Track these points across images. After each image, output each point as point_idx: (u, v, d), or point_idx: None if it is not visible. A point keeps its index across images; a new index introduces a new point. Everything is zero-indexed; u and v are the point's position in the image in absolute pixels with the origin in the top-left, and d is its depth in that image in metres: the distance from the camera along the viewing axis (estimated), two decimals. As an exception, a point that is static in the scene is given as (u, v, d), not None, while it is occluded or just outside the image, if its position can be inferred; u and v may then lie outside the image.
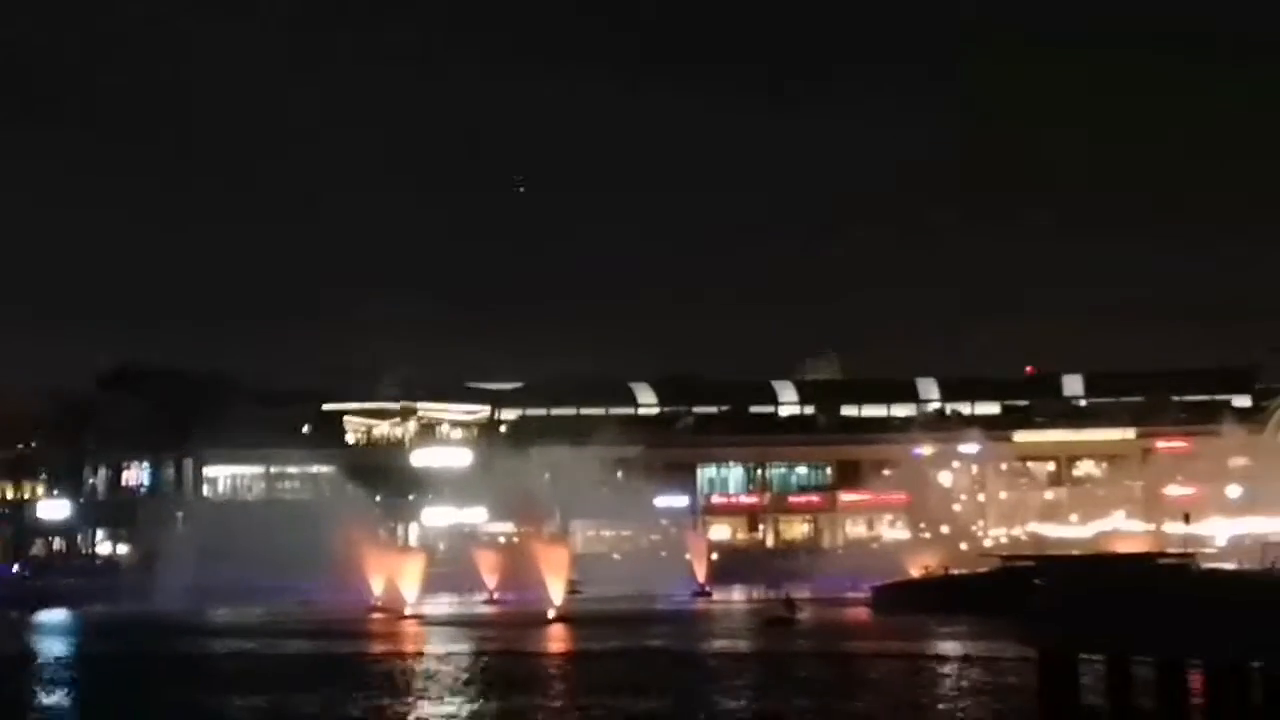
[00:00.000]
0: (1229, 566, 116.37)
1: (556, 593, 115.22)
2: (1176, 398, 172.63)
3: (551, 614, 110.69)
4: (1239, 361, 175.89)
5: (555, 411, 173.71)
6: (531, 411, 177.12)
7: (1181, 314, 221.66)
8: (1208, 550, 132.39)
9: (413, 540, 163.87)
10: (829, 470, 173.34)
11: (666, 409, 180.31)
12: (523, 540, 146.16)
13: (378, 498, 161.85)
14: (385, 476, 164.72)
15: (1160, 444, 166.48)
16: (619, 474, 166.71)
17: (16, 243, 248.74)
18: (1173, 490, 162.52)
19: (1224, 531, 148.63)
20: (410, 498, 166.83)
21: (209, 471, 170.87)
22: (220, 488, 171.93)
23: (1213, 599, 60.93)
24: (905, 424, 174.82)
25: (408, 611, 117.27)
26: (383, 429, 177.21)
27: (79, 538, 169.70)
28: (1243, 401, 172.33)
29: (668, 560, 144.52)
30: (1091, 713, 54.46)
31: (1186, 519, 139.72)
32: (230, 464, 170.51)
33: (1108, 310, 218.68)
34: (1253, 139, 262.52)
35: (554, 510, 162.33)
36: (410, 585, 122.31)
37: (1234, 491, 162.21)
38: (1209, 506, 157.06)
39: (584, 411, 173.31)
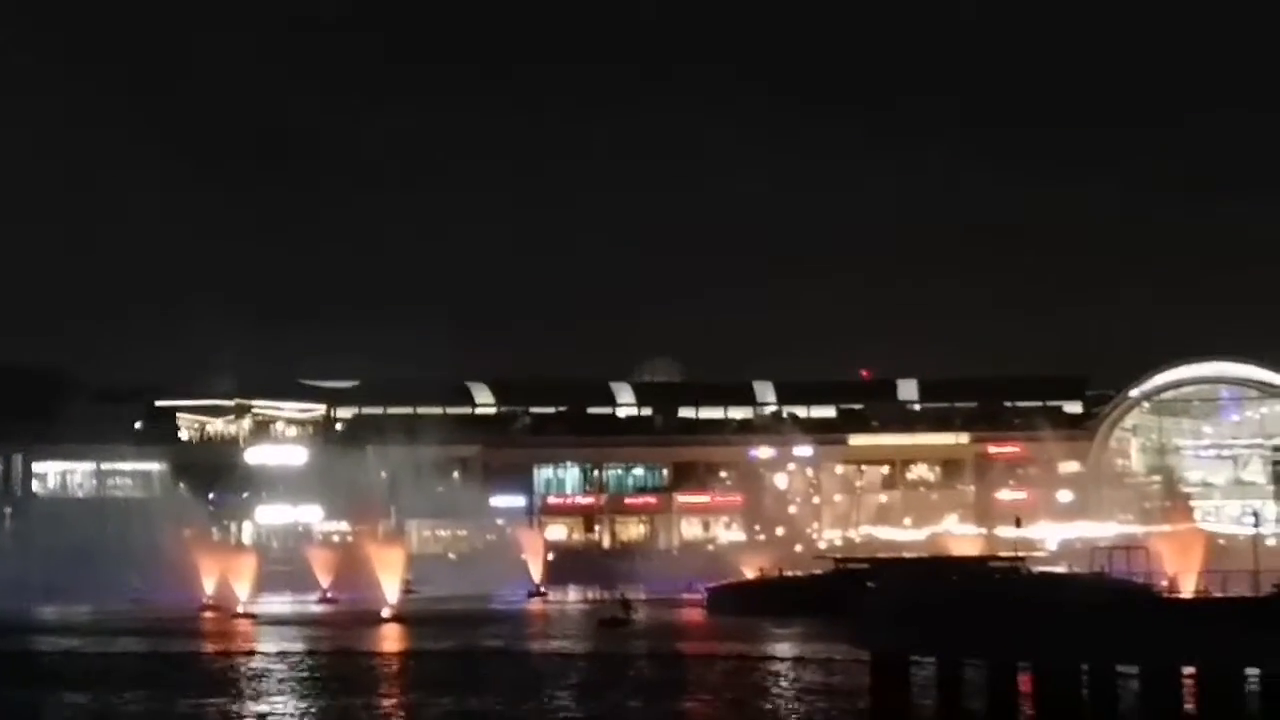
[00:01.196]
0: (1059, 570, 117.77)
1: (391, 592, 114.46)
2: (1009, 403, 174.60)
3: (386, 613, 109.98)
4: (1071, 369, 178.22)
5: (391, 410, 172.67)
6: (367, 410, 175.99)
7: (1016, 321, 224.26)
8: (1038, 554, 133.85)
9: (247, 538, 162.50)
10: (666, 472, 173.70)
11: (503, 409, 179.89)
12: (358, 539, 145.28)
13: (211, 495, 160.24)
14: (219, 474, 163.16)
15: (993, 449, 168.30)
16: (455, 474, 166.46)
17: None
18: (1005, 495, 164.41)
19: (1054, 536, 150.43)
20: (244, 496, 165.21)
21: (38, 468, 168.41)
22: (50, 484, 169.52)
23: (1042, 602, 61.52)
24: (742, 426, 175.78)
25: (240, 610, 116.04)
26: (216, 426, 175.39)
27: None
28: (1074, 408, 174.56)
29: (503, 560, 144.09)
30: (923, 714, 54.81)
31: (1018, 523, 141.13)
32: (60, 460, 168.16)
33: (945, 315, 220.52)
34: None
35: (389, 509, 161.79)
36: (243, 584, 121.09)
37: (1064, 496, 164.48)
38: (1040, 511, 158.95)
39: (420, 411, 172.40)
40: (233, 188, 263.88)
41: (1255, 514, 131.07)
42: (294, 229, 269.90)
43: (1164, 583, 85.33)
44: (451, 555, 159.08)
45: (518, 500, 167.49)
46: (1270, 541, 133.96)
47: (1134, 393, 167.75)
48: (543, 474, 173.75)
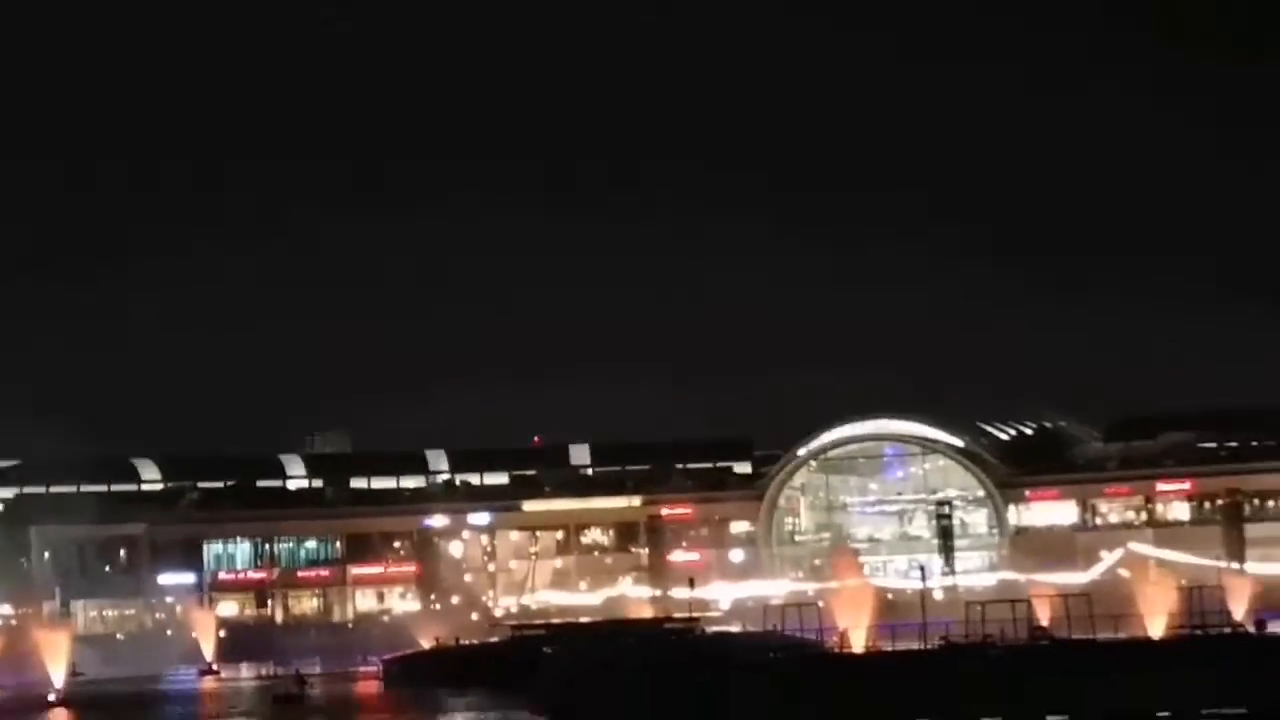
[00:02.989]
0: (733, 629, 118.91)
1: (57, 675, 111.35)
2: (680, 465, 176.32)
3: (52, 697, 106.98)
4: (738, 431, 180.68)
5: (54, 489, 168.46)
6: (29, 489, 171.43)
7: (683, 385, 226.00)
8: (712, 614, 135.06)
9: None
10: (339, 544, 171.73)
11: (171, 484, 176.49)
12: (21, 622, 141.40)
13: None
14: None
15: (665, 511, 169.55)
16: (122, 552, 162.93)
17: None
18: (678, 556, 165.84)
19: (728, 595, 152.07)
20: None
21: None
22: None
23: (717, 661, 61.97)
24: (415, 495, 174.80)
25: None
26: None
27: None
28: (744, 468, 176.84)
29: (173, 639, 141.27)
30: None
31: (691, 584, 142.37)
32: None
33: (616, 380, 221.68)
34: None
35: (53, 591, 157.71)
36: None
37: (737, 556, 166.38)
38: (713, 571, 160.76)
39: (84, 488, 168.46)
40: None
41: (922, 568, 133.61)
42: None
43: (834, 638, 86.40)
44: (120, 635, 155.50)
45: (187, 577, 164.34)
46: (938, 595, 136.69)
47: (801, 452, 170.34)
48: (212, 549, 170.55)
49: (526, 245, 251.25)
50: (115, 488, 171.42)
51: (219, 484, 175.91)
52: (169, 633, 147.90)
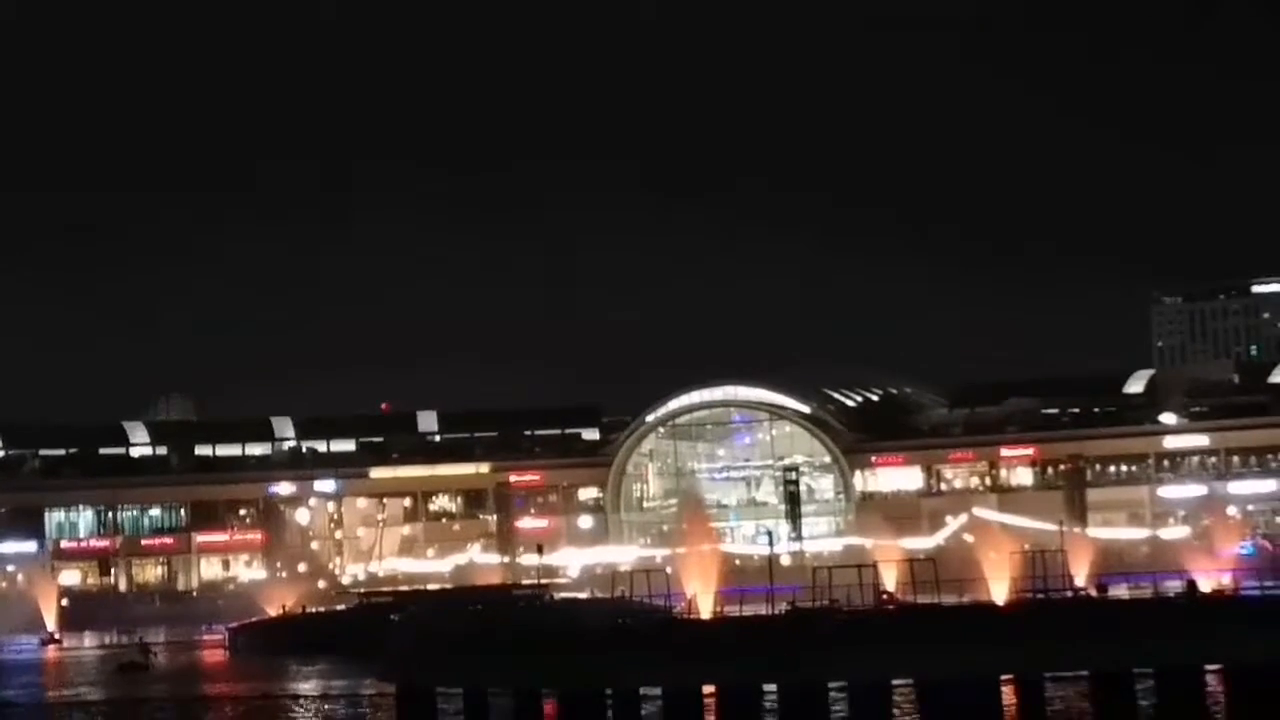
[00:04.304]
0: (582, 596, 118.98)
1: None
2: (529, 432, 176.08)
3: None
4: (587, 398, 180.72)
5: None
6: None
7: (530, 354, 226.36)
8: (561, 581, 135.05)
9: None
10: (183, 512, 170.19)
11: (12, 452, 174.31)
12: None
13: None
14: None
15: (514, 478, 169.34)
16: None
17: None
18: (526, 523, 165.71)
19: (577, 562, 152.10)
20: None
21: None
22: None
23: (562, 629, 61.87)
24: (261, 463, 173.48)
25: None
26: None
27: None
28: (592, 435, 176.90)
29: (15, 608, 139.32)
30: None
31: (540, 551, 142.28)
32: None
33: (465, 348, 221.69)
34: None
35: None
36: None
37: (585, 523, 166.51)
38: (562, 538, 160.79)
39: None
40: None
41: (769, 533, 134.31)
42: None
43: (682, 605, 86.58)
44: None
45: (29, 545, 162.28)
46: (784, 560, 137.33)
47: (650, 418, 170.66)
48: (54, 518, 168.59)
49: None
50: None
51: (61, 451, 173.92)
52: (10, 601, 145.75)
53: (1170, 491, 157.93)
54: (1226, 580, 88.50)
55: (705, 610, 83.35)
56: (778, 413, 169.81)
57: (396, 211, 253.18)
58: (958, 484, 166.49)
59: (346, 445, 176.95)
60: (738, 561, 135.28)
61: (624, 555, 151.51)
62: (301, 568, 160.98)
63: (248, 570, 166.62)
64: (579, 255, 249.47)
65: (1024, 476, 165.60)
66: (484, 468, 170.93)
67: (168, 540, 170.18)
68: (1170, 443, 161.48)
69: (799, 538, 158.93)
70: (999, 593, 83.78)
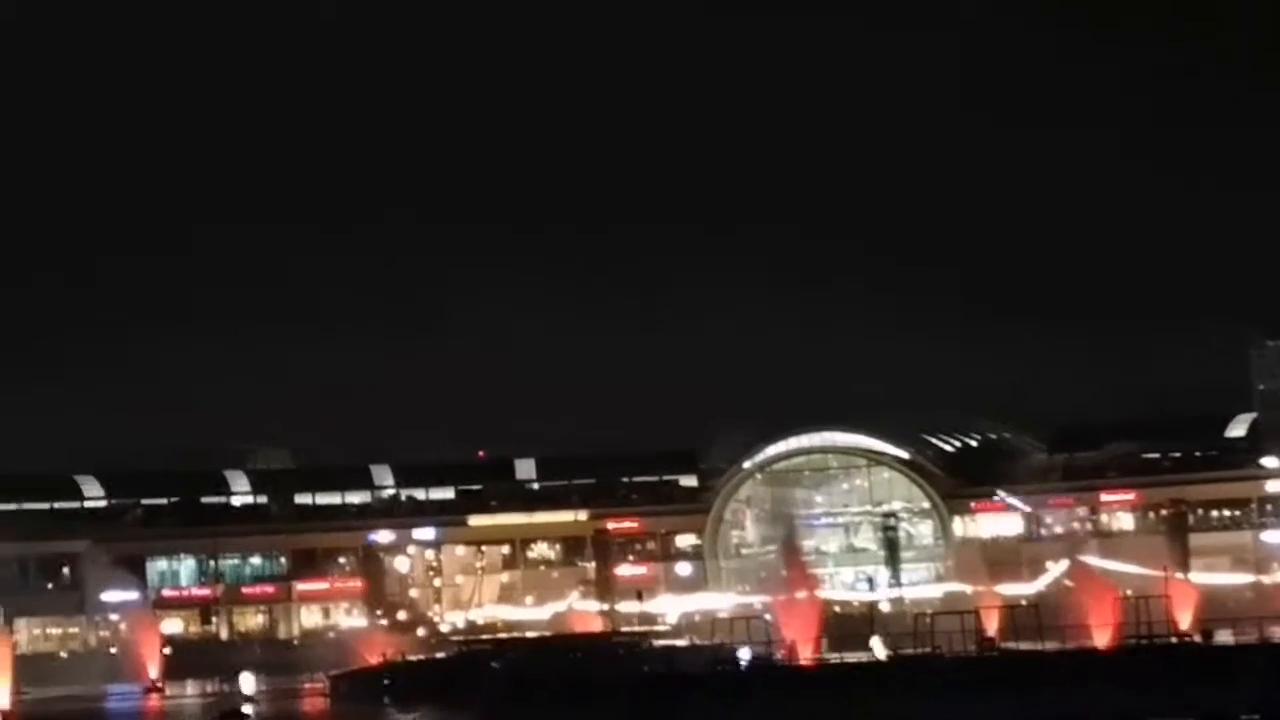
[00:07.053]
0: (681, 643, 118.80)
1: (2, 695, 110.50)
2: (626, 479, 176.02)
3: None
4: (684, 443, 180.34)
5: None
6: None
7: (625, 397, 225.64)
8: (660, 628, 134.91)
9: None
10: (283, 560, 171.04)
11: (114, 502, 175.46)
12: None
13: None
14: None
15: (611, 525, 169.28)
16: (65, 569, 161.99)
17: None
18: (625, 570, 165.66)
19: (675, 609, 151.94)
20: None
21: None
22: None
23: (667, 674, 61.80)
24: (360, 511, 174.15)
25: None
26: None
27: None
28: (690, 481, 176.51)
29: (118, 657, 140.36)
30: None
31: (639, 597, 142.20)
32: None
33: (553, 393, 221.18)
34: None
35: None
36: None
37: (684, 569, 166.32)
38: (660, 585, 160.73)
39: (26, 506, 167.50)
40: None
41: (869, 579, 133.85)
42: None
43: (781, 651, 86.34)
44: (63, 654, 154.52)
45: (131, 594, 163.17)
46: (884, 606, 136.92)
47: (747, 464, 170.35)
48: (156, 566, 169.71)
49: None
50: (58, 505, 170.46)
51: (162, 500, 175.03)
52: (113, 650, 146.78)
53: (1274, 536, 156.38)
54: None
55: (805, 656, 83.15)
56: (876, 459, 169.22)
57: (492, 273, 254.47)
58: (1058, 529, 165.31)
59: (445, 493, 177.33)
60: (837, 608, 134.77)
61: (722, 602, 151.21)
62: (401, 615, 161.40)
63: (347, 618, 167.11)
64: (670, 301, 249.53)
65: (1125, 521, 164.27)
66: (582, 515, 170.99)
67: (269, 588, 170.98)
68: (1273, 487, 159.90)
69: (898, 584, 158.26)
70: (1101, 639, 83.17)
